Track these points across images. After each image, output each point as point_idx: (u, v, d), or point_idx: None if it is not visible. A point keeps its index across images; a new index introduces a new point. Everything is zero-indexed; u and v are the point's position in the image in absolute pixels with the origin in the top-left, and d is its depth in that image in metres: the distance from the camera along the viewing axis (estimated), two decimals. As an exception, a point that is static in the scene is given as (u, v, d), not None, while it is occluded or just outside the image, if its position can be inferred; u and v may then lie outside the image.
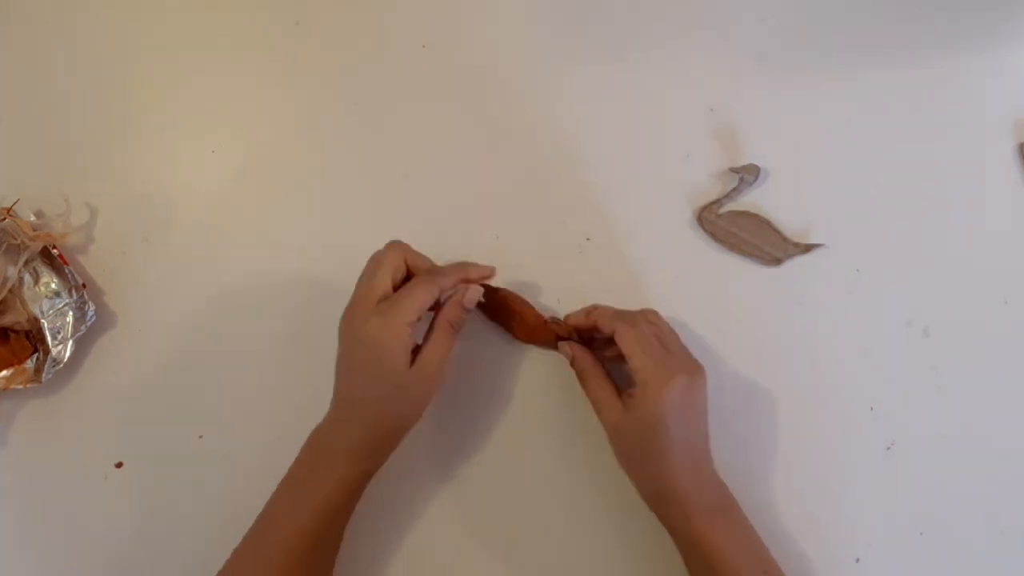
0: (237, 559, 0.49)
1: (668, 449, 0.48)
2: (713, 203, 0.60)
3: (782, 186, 0.60)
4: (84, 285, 0.58)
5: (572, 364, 0.54)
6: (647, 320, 0.52)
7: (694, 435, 0.50)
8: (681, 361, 0.50)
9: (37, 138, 0.62)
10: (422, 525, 0.56)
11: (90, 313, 0.57)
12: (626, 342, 0.50)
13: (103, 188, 0.61)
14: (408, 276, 0.52)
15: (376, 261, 0.52)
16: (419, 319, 0.50)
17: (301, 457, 0.51)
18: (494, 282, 0.56)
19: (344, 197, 0.61)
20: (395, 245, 0.52)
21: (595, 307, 0.54)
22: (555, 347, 0.56)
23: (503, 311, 0.57)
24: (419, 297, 0.50)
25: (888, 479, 0.57)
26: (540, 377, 0.58)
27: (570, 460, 0.57)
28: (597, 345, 0.55)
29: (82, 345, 0.58)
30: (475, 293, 0.53)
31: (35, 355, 0.57)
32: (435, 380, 0.50)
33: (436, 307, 0.52)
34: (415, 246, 0.59)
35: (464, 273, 0.53)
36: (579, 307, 0.56)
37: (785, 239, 0.59)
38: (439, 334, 0.51)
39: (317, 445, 0.51)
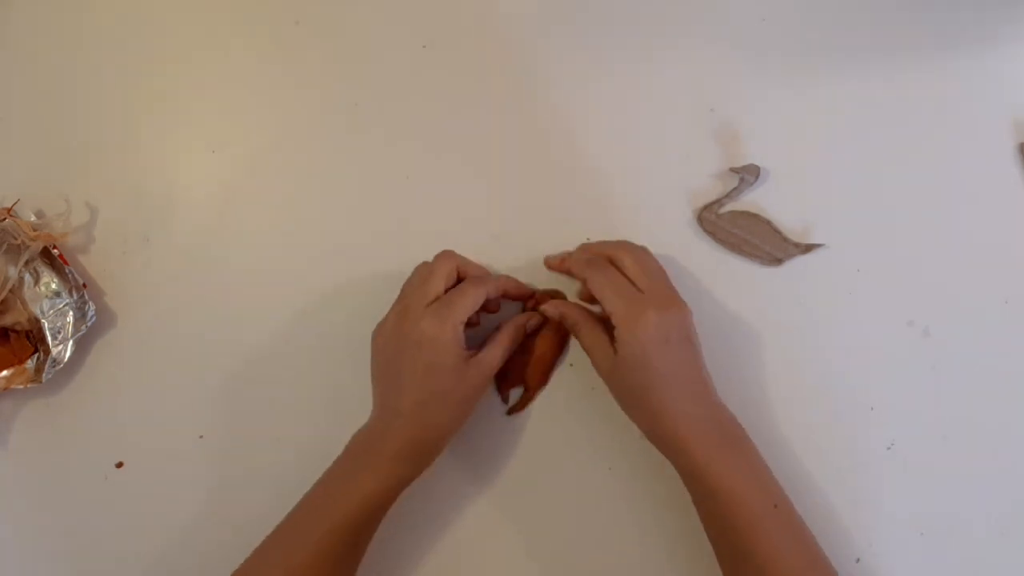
0: (261, 554, 0.50)
1: (655, 385, 0.49)
2: (713, 203, 0.59)
3: (782, 186, 0.60)
4: (84, 285, 0.58)
5: (563, 320, 0.55)
6: (629, 255, 0.53)
7: (681, 368, 0.50)
8: (654, 298, 0.51)
9: (37, 138, 0.62)
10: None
11: (90, 313, 0.57)
12: (596, 287, 0.51)
13: (103, 188, 0.61)
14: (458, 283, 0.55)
15: (428, 269, 0.54)
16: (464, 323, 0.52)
17: (341, 459, 0.51)
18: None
19: (345, 197, 0.61)
20: (447, 253, 0.55)
21: (569, 255, 0.56)
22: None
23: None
24: (470, 298, 0.52)
25: (888, 479, 0.57)
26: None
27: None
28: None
29: (82, 345, 0.58)
30: (554, 308, 0.55)
31: (35, 355, 0.57)
32: (488, 378, 0.53)
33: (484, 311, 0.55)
34: (416, 246, 0.59)
35: (508, 285, 0.56)
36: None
37: (785, 239, 0.59)
38: (506, 336, 0.54)
39: (360, 448, 0.51)
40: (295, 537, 0.49)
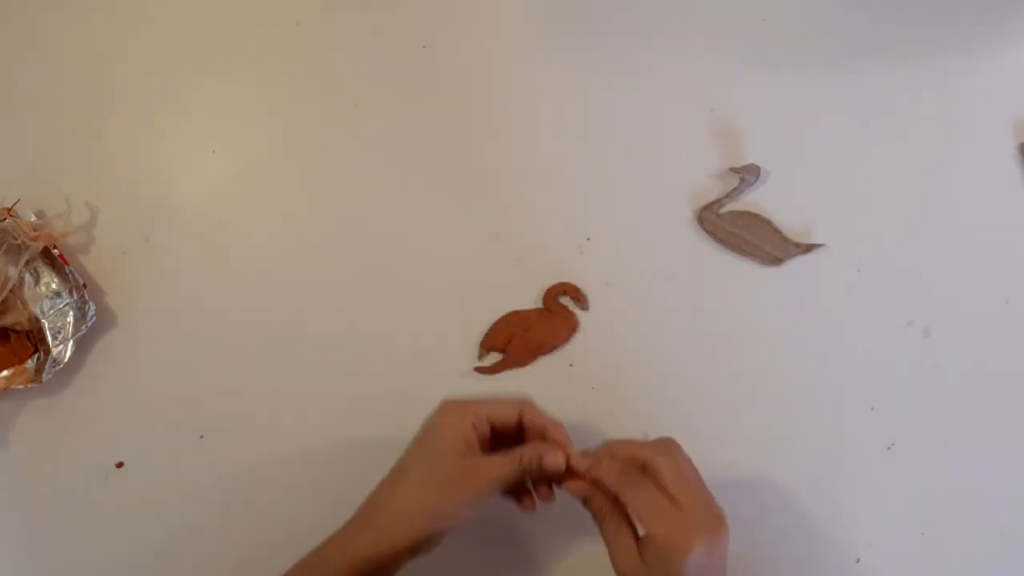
0: None
1: None
2: (713, 203, 0.60)
3: (782, 186, 0.60)
4: (85, 285, 0.58)
5: (586, 504, 0.49)
6: (664, 461, 0.47)
7: None
8: (697, 518, 0.46)
9: (38, 138, 0.62)
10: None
11: (91, 313, 0.57)
12: (636, 505, 0.46)
13: (103, 188, 0.61)
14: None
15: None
16: (489, 427, 0.49)
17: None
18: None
19: (344, 198, 0.61)
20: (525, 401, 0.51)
21: (596, 459, 0.49)
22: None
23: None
24: (498, 403, 0.50)
25: (888, 479, 0.57)
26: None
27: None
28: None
29: (83, 345, 0.58)
30: (558, 459, 0.49)
31: (36, 355, 0.57)
32: (487, 483, 0.48)
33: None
34: (415, 246, 0.59)
35: (550, 431, 0.50)
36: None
37: (785, 239, 0.59)
38: (506, 457, 0.48)
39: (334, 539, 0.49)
40: None
